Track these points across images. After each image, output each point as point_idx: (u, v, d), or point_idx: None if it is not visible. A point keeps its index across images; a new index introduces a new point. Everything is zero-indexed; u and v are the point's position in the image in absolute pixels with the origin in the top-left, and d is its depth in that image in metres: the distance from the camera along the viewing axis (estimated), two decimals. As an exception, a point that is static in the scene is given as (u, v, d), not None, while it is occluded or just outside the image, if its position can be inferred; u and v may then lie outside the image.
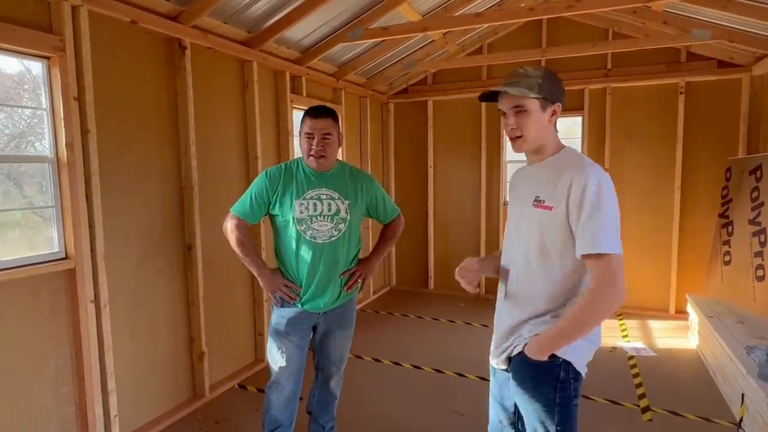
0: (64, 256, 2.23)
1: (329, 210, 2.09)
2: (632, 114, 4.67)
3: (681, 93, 4.42)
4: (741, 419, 2.67)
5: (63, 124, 2.15)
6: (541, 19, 4.81)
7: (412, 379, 3.37)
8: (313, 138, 2.04)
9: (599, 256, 1.26)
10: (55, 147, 2.18)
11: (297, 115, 4.04)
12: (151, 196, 2.70)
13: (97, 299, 2.32)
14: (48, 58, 2.15)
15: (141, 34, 2.59)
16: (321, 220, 2.08)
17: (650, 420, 2.77)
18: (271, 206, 2.11)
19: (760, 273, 3.26)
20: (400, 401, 3.04)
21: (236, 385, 3.26)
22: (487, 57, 4.97)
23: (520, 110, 1.38)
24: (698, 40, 3.81)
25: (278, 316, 2.14)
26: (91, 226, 2.29)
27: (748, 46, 3.76)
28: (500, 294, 1.60)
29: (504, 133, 5.13)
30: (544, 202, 1.37)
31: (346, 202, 2.12)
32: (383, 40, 4.21)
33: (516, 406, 1.57)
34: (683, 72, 4.43)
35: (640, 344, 3.96)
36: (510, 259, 1.53)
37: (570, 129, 5.10)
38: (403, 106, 5.61)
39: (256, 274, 2.14)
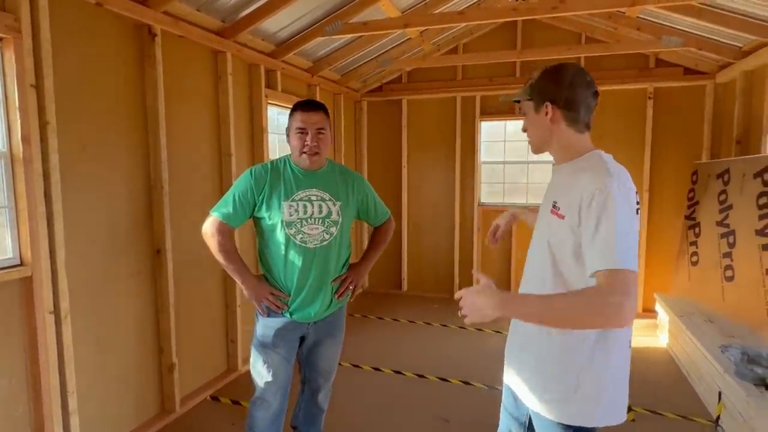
0: (18, 262, 1.99)
1: (320, 212, 1.96)
2: (604, 117, 4.76)
3: (650, 98, 4.55)
4: (718, 416, 2.74)
5: (18, 114, 1.92)
6: (517, 22, 4.83)
7: (393, 385, 3.28)
8: (306, 133, 1.90)
9: (606, 273, 1.09)
10: (9, 140, 1.94)
11: (271, 111, 3.86)
12: (117, 194, 2.47)
13: (56, 309, 2.09)
14: (0, 39, 1.90)
15: (108, 18, 2.36)
16: (311, 223, 1.94)
17: (633, 420, 2.80)
18: (256, 208, 1.96)
19: (729, 273, 3.37)
20: (384, 409, 2.94)
21: (209, 397, 3.06)
22: (463, 57, 4.94)
23: (523, 113, 1.41)
24: (669, 47, 3.92)
25: (264, 327, 2.00)
26: (50, 229, 2.05)
27: (715, 54, 3.90)
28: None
29: (479, 134, 5.15)
30: (560, 209, 1.29)
31: (338, 203, 2.00)
32: (360, 36, 4.09)
33: (530, 420, 1.51)
34: (652, 78, 4.56)
35: (613, 343, 4.03)
36: (529, 262, 1.46)
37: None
38: (377, 105, 5.51)
39: (239, 282, 1.98)
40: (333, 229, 1.98)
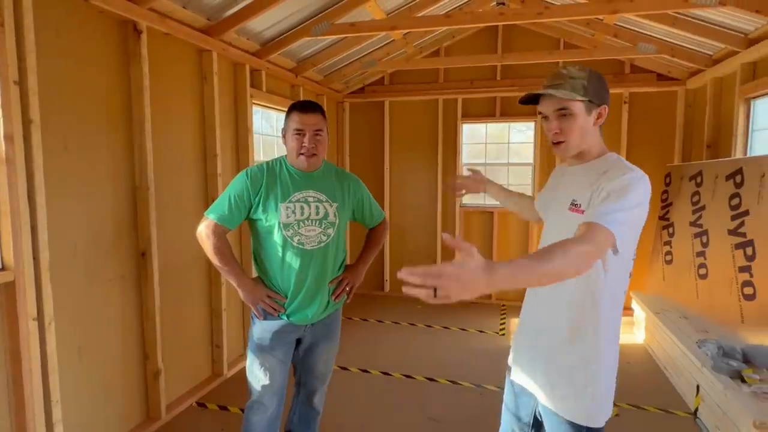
0: (1, 267, 1.90)
1: (317, 213, 1.95)
2: (581, 121, 4.90)
3: (625, 103, 4.71)
4: (696, 409, 2.86)
5: (1, 112, 1.83)
6: (498, 27, 4.91)
7: (382, 386, 3.28)
8: (304, 135, 1.89)
9: (590, 224, 1.12)
10: (-10, 139, 1.85)
11: (256, 111, 3.81)
12: (101, 196, 2.39)
13: (40, 316, 2.00)
14: (-19, 33, 1.82)
15: (92, 13, 2.28)
16: (309, 225, 1.93)
17: (617, 415, 2.89)
18: (252, 210, 1.93)
19: (702, 272, 3.52)
20: (374, 410, 2.94)
21: (195, 403, 2.99)
22: (446, 60, 5.00)
23: (564, 113, 1.29)
24: (644, 53, 4.07)
25: (262, 330, 1.96)
26: (34, 232, 1.97)
27: (687, 61, 4.06)
28: (531, 294, 1.53)
29: (461, 136, 5.21)
30: (580, 206, 1.31)
31: (334, 204, 1.99)
32: (345, 37, 4.08)
33: (534, 419, 1.53)
34: (627, 83, 4.72)
35: (592, 341, 4.15)
36: None
37: (526, 134, 5.26)
38: (359, 106, 5.51)
39: (235, 285, 1.94)
40: (330, 231, 1.97)
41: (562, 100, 1.29)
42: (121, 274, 2.52)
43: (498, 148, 5.30)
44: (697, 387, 2.86)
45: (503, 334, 4.30)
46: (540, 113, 1.38)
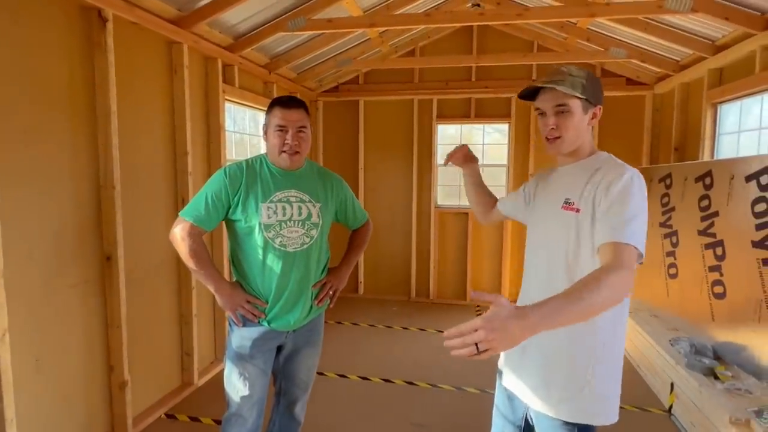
0: (-53, 273, 1.72)
1: (300, 214, 1.86)
2: (553, 123, 4.97)
3: (596, 106, 4.80)
4: (671, 406, 2.92)
5: (-52, 101, 1.66)
6: (473, 28, 4.92)
7: (361, 391, 3.20)
8: (286, 132, 1.79)
9: (615, 245, 1.13)
10: (-65, 131, 1.67)
11: (228, 108, 3.66)
12: (63, 196, 2.21)
13: (-7, 327, 1.82)
14: (-75, 14, 1.64)
15: (52, -2, 2.11)
16: (291, 226, 1.84)
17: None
18: (230, 210, 1.82)
19: (672, 271, 3.61)
20: (356, 417, 2.86)
21: (163, 415, 2.82)
22: (422, 60, 4.97)
23: (562, 110, 1.31)
24: (616, 58, 4.16)
25: (241, 338, 1.85)
26: (-14, 234, 1.79)
27: (656, 66, 4.18)
28: (522, 300, 1.49)
29: (436, 136, 5.19)
30: (573, 204, 1.31)
31: (317, 204, 1.91)
32: (320, 34, 3.99)
33: (526, 423, 1.50)
34: (598, 87, 4.81)
35: (567, 340, 4.20)
36: (532, 263, 1.45)
37: (494, 136, 5.29)
38: (333, 105, 5.41)
39: (213, 290, 1.83)
40: (313, 232, 1.89)
41: (560, 97, 1.30)
42: (84, 280, 2.34)
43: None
44: (672, 385, 2.92)
45: (480, 335, 4.29)
46: (537, 109, 1.39)
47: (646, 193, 1.24)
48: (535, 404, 1.38)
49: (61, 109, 2.19)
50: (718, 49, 3.45)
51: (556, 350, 1.33)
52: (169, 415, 2.83)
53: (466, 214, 5.24)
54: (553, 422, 1.33)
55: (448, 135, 5.36)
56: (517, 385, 1.45)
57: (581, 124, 1.32)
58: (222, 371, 1.93)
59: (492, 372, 3.55)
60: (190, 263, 1.80)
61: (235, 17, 3.24)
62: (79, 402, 2.33)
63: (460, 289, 5.34)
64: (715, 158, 3.60)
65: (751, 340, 2.68)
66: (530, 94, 1.39)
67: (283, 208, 1.83)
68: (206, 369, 3.35)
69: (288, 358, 1.99)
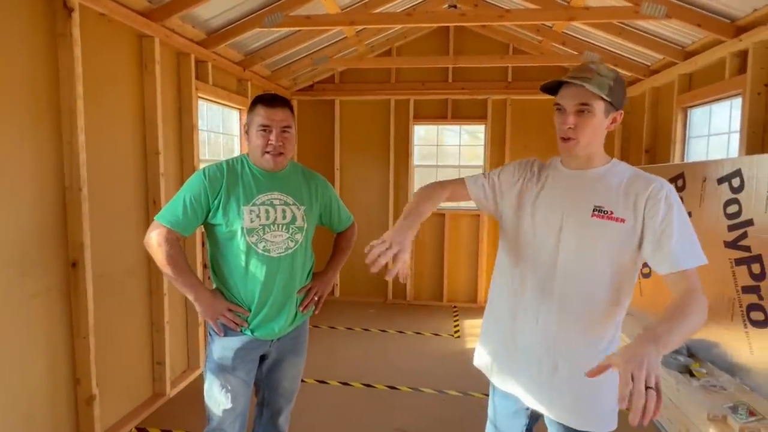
0: None
1: (284, 218, 1.78)
2: (528, 125, 5.03)
3: (570, 108, 4.88)
4: (647, 404, 2.97)
5: None
6: (449, 29, 4.92)
7: (342, 397, 3.13)
8: (270, 131, 1.71)
9: (684, 273, 1.18)
10: None
11: (201, 106, 3.52)
12: (24, 198, 2.06)
13: (-55, 342, 1.67)
14: None
15: (12, -15, 1.96)
16: (275, 230, 1.76)
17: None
18: (210, 214, 1.72)
19: (646, 270, 3.69)
20: (337, 424, 2.79)
21: (134, 429, 2.68)
22: (400, 60, 4.94)
23: (583, 109, 1.22)
24: (588, 61, 4.22)
25: (223, 348, 1.76)
26: (-62, 241, 1.64)
27: (627, 71, 4.27)
28: (531, 312, 1.37)
29: (412, 137, 5.17)
30: (612, 213, 1.24)
31: (302, 207, 1.83)
32: (296, 31, 3.90)
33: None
34: (571, 89, 4.89)
35: (544, 340, 4.25)
36: (547, 270, 1.33)
37: (475, 136, 5.31)
38: (308, 104, 5.31)
39: (192, 299, 1.72)
40: (298, 236, 1.81)
41: (584, 95, 1.21)
42: (47, 288, 2.19)
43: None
44: (648, 382, 2.98)
45: (458, 337, 4.30)
46: (556, 105, 1.28)
47: None
48: (563, 418, 1.34)
49: (22, 106, 2.03)
50: (688, 54, 3.55)
51: (578, 357, 1.29)
52: (140, 429, 2.69)
53: (443, 215, 5.24)
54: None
55: (419, 136, 5.34)
56: (542, 402, 1.37)
57: (600, 127, 1.25)
58: (195, 380, 1.83)
59: (474, 375, 3.53)
60: (167, 270, 1.69)
61: (209, 11, 3.11)
62: (43, 419, 2.17)
63: (437, 290, 5.33)
64: (685, 161, 3.70)
65: (723, 338, 2.76)
66: (552, 88, 1.30)
67: (266, 212, 1.75)
68: (178, 378, 3.20)
69: (272, 367, 1.90)
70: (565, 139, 1.27)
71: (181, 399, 3.05)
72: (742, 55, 2.94)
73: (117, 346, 2.65)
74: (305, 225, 1.83)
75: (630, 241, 1.24)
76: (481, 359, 1.54)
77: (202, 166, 3.45)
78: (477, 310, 5.09)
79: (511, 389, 1.44)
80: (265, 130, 1.71)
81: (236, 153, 4.22)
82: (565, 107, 1.25)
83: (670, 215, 1.19)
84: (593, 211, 1.27)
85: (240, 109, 4.13)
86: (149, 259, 2.91)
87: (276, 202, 1.77)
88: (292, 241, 1.79)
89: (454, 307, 5.23)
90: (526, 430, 1.46)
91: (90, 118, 2.35)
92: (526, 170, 1.44)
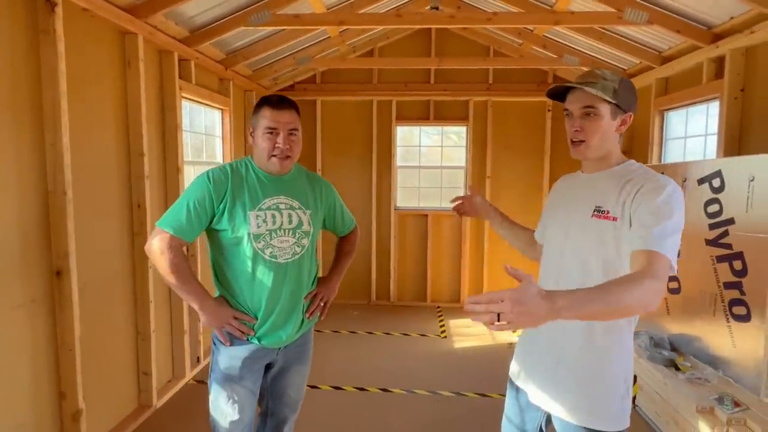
0: None
1: (290, 222, 1.74)
2: (509, 127, 5.11)
3: (549, 111, 4.99)
4: (634, 397, 3.07)
5: None
6: (431, 31, 4.94)
7: (336, 402, 3.09)
8: (277, 134, 1.67)
9: (651, 253, 1.11)
10: None
11: (185, 105, 3.41)
12: (4, 204, 1.93)
13: (-74, 361, 1.55)
14: None
15: (-8, -24, 1.83)
16: (282, 235, 1.71)
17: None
18: (215, 220, 1.66)
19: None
20: (335, 430, 2.75)
21: (121, 444, 2.57)
22: (384, 60, 4.92)
23: (589, 112, 1.27)
24: (569, 65, 4.33)
25: (230, 358, 1.70)
26: None
27: (605, 74, 4.40)
28: None
29: (395, 138, 5.16)
30: (608, 212, 1.27)
31: (308, 212, 1.80)
32: (280, 30, 3.83)
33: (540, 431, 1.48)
34: (550, 92, 5.00)
35: (528, 338, 4.32)
36: (554, 275, 1.40)
37: (457, 137, 5.35)
38: (289, 104, 5.22)
39: (197, 307, 1.66)
40: (304, 241, 1.78)
41: (589, 99, 1.26)
42: (31, 299, 2.06)
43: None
44: (635, 377, 3.07)
45: (445, 337, 4.32)
46: (565, 110, 1.34)
47: (683, 205, 1.22)
48: (560, 412, 1.35)
49: (1, 105, 1.90)
50: (665, 59, 3.69)
51: (592, 363, 1.30)
52: (128, 443, 2.58)
53: (426, 215, 5.26)
54: (580, 429, 1.32)
55: (398, 137, 5.34)
56: (547, 398, 1.40)
57: (608, 129, 1.29)
58: (181, 390, 1.77)
59: (466, 375, 3.53)
60: (170, 279, 1.62)
61: (194, 8, 3.01)
62: (25, 438, 2.05)
63: (421, 291, 5.35)
64: (662, 162, 3.84)
65: (705, 332, 2.87)
66: (560, 95, 1.35)
67: (273, 216, 1.70)
68: (164, 388, 3.09)
69: (277, 376, 1.86)
70: (575, 143, 1.32)
71: (169, 410, 2.94)
72: (719, 60, 3.07)
73: (102, 357, 2.53)
74: (311, 229, 1.79)
75: (620, 238, 1.24)
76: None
77: (186, 168, 3.35)
78: (460, 310, 5.14)
79: (522, 384, 1.49)
80: (271, 133, 1.67)
81: (219, 155, 4.10)
82: (573, 111, 1.31)
83: (665, 207, 1.17)
84: (594, 211, 1.30)
85: (222, 109, 4.02)
86: (134, 266, 2.79)
87: (282, 206, 1.73)
88: (298, 246, 1.75)
89: (438, 307, 5.26)
90: (541, 426, 1.47)
91: (72, 117, 2.23)
92: (553, 190, 1.57)
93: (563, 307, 0.94)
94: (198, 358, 3.49)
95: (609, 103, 1.26)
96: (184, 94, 3.27)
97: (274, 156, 1.68)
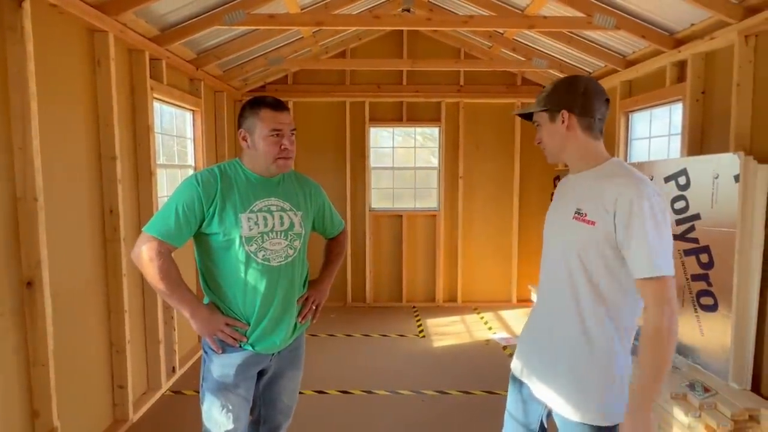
0: None
1: (282, 224, 1.71)
2: (480, 128, 5.21)
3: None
4: (610, 388, 3.18)
5: None
6: (403, 32, 4.97)
7: (320, 406, 3.05)
8: (283, 135, 1.64)
9: (653, 282, 1.19)
10: None
11: (156, 107, 3.29)
12: (-30, 211, 1.81)
13: None
14: None
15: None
16: (274, 237, 1.68)
17: (548, 403, 3.08)
18: (205, 223, 1.62)
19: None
20: (319, 435, 2.72)
21: (98, 461, 2.45)
22: (356, 62, 4.91)
23: (536, 124, 1.44)
24: (537, 68, 4.46)
25: (223, 366, 1.65)
26: None
27: (573, 76, 4.55)
28: (538, 309, 1.53)
29: (368, 139, 5.17)
30: (586, 215, 1.31)
31: (299, 213, 1.78)
32: (253, 30, 3.76)
33: (541, 427, 1.52)
34: (519, 94, 5.13)
35: (504, 334, 4.42)
36: (547, 273, 1.47)
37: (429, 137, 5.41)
38: (260, 106, 5.13)
39: (188, 315, 1.61)
40: (297, 243, 1.75)
41: (535, 116, 1.44)
42: (-1, 312, 1.94)
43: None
44: (610, 368, 3.19)
45: (423, 336, 4.35)
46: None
47: (666, 208, 1.26)
48: (559, 407, 1.39)
49: (-34, 106, 1.79)
50: (629, 63, 3.86)
51: (590, 360, 1.34)
52: (105, 460, 2.46)
53: (400, 216, 5.29)
54: (583, 428, 1.35)
55: (371, 138, 5.35)
56: (548, 393, 1.43)
57: (555, 132, 1.38)
58: (157, 402, 1.71)
59: (448, 373, 3.56)
60: (160, 287, 1.57)
61: (165, 6, 2.91)
62: (-4, 461, 1.92)
63: (397, 292, 5.37)
64: (628, 161, 4.01)
65: (674, 323, 3.01)
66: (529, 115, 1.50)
67: (264, 219, 1.67)
68: (140, 401, 2.97)
69: (270, 382, 1.82)
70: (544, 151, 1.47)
71: (145, 423, 2.83)
72: (681, 64, 3.24)
73: (76, 371, 2.40)
74: (303, 231, 1.78)
75: (600, 244, 1.27)
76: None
77: (158, 171, 3.23)
78: (436, 310, 5.19)
79: (525, 379, 1.52)
80: (277, 135, 1.64)
81: (190, 157, 3.98)
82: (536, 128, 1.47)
83: (636, 223, 1.21)
84: (574, 213, 1.35)
85: (193, 110, 3.91)
86: (107, 274, 2.68)
87: (273, 208, 1.71)
88: (291, 248, 1.73)
89: (414, 307, 5.29)
90: (542, 421, 1.51)
91: (43, 120, 2.11)
92: (561, 183, 1.60)
93: (640, 408, 1.21)
94: (174, 368, 3.37)
95: (540, 110, 1.40)
96: (155, 95, 3.15)
97: (281, 158, 1.66)
